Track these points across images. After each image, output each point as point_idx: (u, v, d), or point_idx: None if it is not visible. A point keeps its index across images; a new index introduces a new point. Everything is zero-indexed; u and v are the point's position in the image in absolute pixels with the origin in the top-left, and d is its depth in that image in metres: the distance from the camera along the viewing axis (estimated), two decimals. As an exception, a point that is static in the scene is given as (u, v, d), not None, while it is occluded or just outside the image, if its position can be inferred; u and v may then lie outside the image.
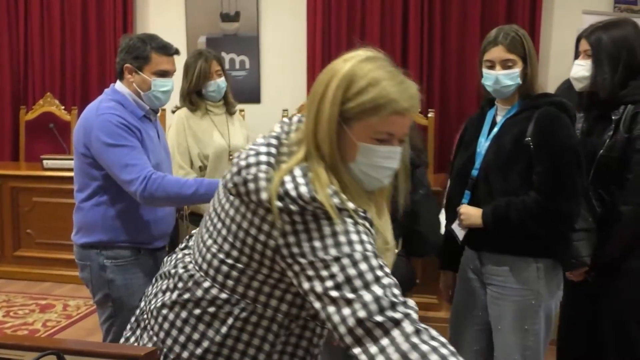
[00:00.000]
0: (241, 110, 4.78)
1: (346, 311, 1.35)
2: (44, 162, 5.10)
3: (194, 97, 3.35)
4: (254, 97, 5.88)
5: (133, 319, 1.78)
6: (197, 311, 1.57)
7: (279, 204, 1.41)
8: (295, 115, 1.61)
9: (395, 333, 1.31)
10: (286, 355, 1.61)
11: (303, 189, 1.41)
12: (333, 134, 1.45)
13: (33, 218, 5.15)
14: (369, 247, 1.42)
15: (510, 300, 2.32)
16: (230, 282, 1.52)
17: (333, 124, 1.45)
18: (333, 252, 1.40)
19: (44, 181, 5.06)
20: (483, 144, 2.38)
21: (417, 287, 4.21)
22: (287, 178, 1.43)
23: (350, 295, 1.36)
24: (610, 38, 2.33)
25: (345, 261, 1.39)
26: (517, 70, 2.29)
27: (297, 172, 1.44)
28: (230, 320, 1.54)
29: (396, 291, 1.38)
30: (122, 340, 1.79)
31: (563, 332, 2.64)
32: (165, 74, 2.73)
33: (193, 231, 1.74)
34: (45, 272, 5.10)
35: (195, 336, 1.57)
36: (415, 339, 1.30)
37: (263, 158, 1.47)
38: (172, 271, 1.65)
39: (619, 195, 2.29)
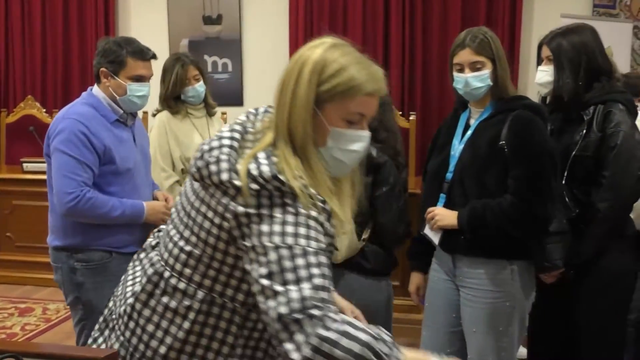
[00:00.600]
0: (223, 113, 4.72)
1: (271, 303, 1.35)
2: (24, 165, 5.01)
3: (171, 102, 3.27)
4: (236, 99, 5.84)
5: (101, 319, 1.74)
6: (159, 307, 1.55)
7: (239, 183, 1.42)
8: (261, 107, 1.62)
9: (310, 330, 1.30)
10: (248, 350, 1.58)
11: (265, 168, 1.42)
12: (308, 117, 1.47)
13: (13, 221, 5.04)
14: (313, 243, 1.41)
15: (484, 303, 2.28)
16: (187, 271, 1.51)
17: (309, 108, 1.47)
18: (276, 240, 1.40)
19: (23, 184, 4.95)
20: (457, 147, 2.35)
21: (401, 290, 4.16)
22: (250, 160, 1.44)
23: (278, 288, 1.35)
24: (570, 43, 2.33)
25: (285, 252, 1.38)
26: (486, 72, 2.26)
27: (261, 154, 1.45)
28: (191, 315, 1.51)
29: (324, 295, 1.36)
30: (90, 340, 1.74)
31: (534, 330, 2.57)
32: (141, 78, 2.65)
33: (162, 226, 1.71)
34: (25, 276, 4.98)
35: (159, 334, 1.54)
36: (329, 334, 1.30)
37: (226, 142, 1.48)
38: (139, 269, 1.65)
39: (595, 193, 2.27)
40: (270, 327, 1.37)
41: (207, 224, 1.48)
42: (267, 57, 5.76)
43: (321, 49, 1.50)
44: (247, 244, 1.42)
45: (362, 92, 1.49)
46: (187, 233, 1.51)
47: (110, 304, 1.73)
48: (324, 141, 1.51)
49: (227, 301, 1.52)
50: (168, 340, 1.53)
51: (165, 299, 1.54)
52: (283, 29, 5.68)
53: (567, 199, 2.30)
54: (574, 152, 2.28)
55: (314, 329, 1.30)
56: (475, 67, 2.26)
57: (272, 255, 1.38)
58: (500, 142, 2.19)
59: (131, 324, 1.58)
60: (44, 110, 5.66)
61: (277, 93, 1.53)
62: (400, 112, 5.12)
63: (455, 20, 5.31)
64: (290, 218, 1.42)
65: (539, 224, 2.19)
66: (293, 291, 1.34)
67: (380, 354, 1.30)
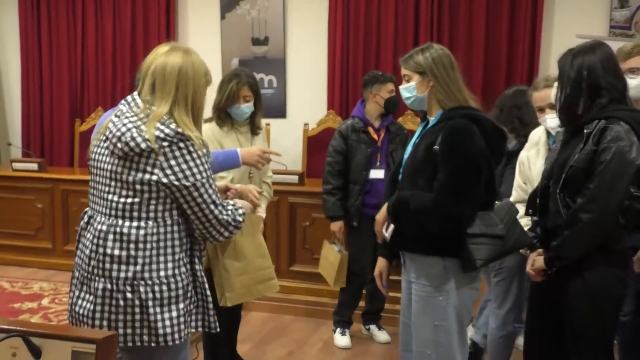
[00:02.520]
0: (267, 124, 4.61)
1: (209, 221, 1.90)
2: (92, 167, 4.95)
3: (222, 114, 3.11)
4: (280, 112, 5.79)
5: (75, 280, 1.98)
6: (126, 244, 1.85)
7: (155, 145, 1.80)
8: (129, 96, 1.93)
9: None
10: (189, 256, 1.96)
11: (167, 130, 1.82)
12: (204, 97, 1.95)
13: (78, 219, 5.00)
14: (210, 172, 1.90)
15: (421, 297, 2.22)
16: (135, 214, 1.85)
17: (204, 90, 1.95)
18: (198, 176, 1.84)
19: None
20: (408, 151, 2.32)
21: (392, 284, 3.94)
22: (153, 129, 1.81)
23: (215, 204, 1.88)
24: (573, 62, 2.18)
25: (206, 183, 1.86)
26: (412, 84, 2.22)
27: (159, 123, 1.82)
28: (149, 238, 1.85)
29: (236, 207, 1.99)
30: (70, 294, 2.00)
31: (528, 336, 2.47)
32: None
33: (87, 209, 2.01)
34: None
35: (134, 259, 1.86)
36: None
37: (130, 125, 1.84)
38: (89, 237, 1.91)
39: (580, 203, 2.11)
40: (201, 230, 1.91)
41: (138, 182, 1.82)
42: (308, 74, 5.72)
43: (194, 55, 1.93)
44: (177, 183, 1.81)
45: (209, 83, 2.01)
46: (124, 191, 1.84)
47: (77, 259, 1.98)
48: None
49: (167, 226, 1.88)
50: (140, 260, 1.85)
51: (127, 237, 1.84)
52: (322, 50, 5.62)
53: (560, 207, 2.16)
54: (570, 163, 2.14)
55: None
56: (404, 79, 2.26)
57: (201, 189, 1.84)
58: (434, 147, 2.14)
59: (113, 265, 1.86)
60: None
61: (171, 84, 1.86)
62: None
63: (479, 39, 5.15)
64: (196, 156, 1.84)
65: (452, 223, 2.11)
66: (215, 210, 1.89)
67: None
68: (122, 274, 1.84)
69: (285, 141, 5.50)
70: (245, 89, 3.02)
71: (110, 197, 1.86)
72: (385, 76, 3.69)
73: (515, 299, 2.99)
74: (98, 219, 1.89)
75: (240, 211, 1.99)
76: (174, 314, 1.86)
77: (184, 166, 1.82)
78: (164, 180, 1.81)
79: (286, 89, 5.81)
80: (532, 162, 2.74)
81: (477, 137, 2.11)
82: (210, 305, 1.98)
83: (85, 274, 1.91)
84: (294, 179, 4.40)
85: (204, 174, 1.85)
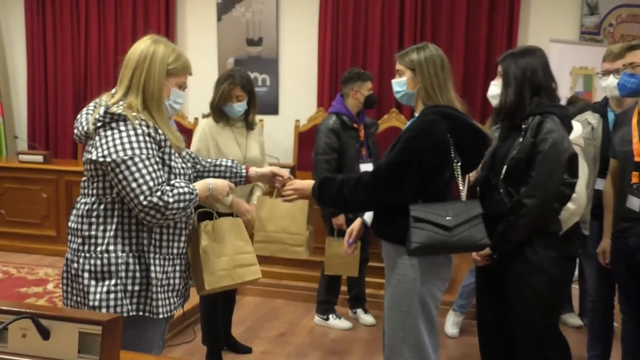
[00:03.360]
0: (261, 120, 4.59)
1: (132, 200, 1.78)
2: (94, 159, 4.92)
3: (218, 111, 3.09)
4: (273, 109, 5.79)
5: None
6: (88, 219, 1.86)
7: (92, 127, 1.82)
8: (101, 96, 1.94)
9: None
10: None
11: (101, 111, 1.81)
12: (163, 82, 1.89)
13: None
14: (151, 152, 1.82)
15: (391, 284, 2.19)
16: (85, 191, 1.89)
17: (163, 77, 1.89)
18: (121, 153, 1.77)
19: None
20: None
21: (374, 270, 3.93)
22: (96, 114, 1.82)
23: (137, 183, 1.77)
24: (518, 63, 2.21)
25: (130, 160, 1.77)
26: (404, 79, 2.16)
27: (104, 107, 1.82)
28: (100, 212, 1.85)
29: (162, 182, 1.83)
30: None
31: (479, 321, 2.49)
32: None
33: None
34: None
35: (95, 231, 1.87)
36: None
37: (84, 112, 1.90)
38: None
39: (524, 190, 2.15)
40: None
41: (88, 163, 1.85)
42: (299, 73, 5.71)
43: (162, 43, 1.91)
44: (108, 159, 1.77)
45: (187, 71, 1.98)
46: (84, 172, 1.89)
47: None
48: (168, 95, 1.93)
49: (115, 202, 1.85)
50: (84, 232, 1.86)
51: (78, 211, 1.88)
52: (312, 51, 5.61)
53: (502, 195, 2.20)
54: (511, 155, 2.18)
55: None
56: (398, 74, 2.21)
57: (128, 163, 1.77)
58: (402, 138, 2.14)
59: (77, 239, 1.88)
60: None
61: (129, 71, 1.87)
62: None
63: (460, 44, 5.16)
64: (126, 134, 1.79)
65: (375, 193, 2.08)
66: (143, 185, 1.78)
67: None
68: (74, 245, 1.88)
69: (277, 136, 5.49)
70: (238, 89, 2.97)
71: (82, 179, 1.95)
72: (366, 74, 3.63)
73: None
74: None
75: (182, 190, 1.83)
76: (105, 289, 1.81)
77: (111, 144, 1.77)
78: (93, 157, 1.80)
79: (279, 87, 5.79)
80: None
81: (437, 134, 2.03)
82: (154, 289, 1.85)
83: None
84: (285, 171, 4.38)
85: (129, 152, 1.76)
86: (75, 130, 1.89)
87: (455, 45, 5.16)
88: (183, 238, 1.96)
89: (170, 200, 1.79)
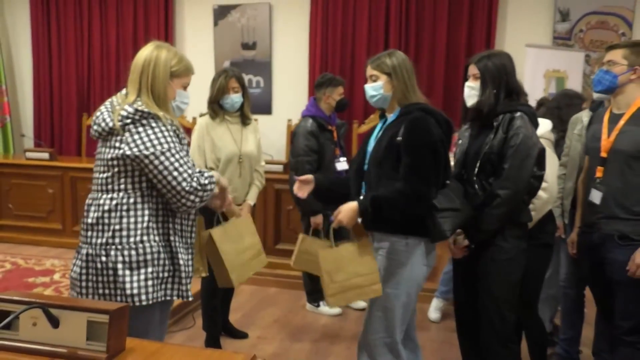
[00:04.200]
0: (255, 119, 4.56)
1: (173, 188, 1.83)
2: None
3: (215, 106, 3.07)
4: (266, 109, 5.75)
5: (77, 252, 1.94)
6: (115, 213, 1.86)
7: (120, 123, 1.82)
8: (113, 97, 1.94)
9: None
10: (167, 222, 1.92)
11: (130, 109, 1.82)
12: (167, 84, 1.90)
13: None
14: (179, 146, 1.87)
15: (382, 267, 2.20)
16: (109, 187, 1.86)
17: (167, 79, 1.90)
18: (158, 147, 1.81)
19: (97, 172, 4.86)
20: (371, 144, 2.27)
21: None
22: (119, 111, 1.84)
23: (177, 172, 1.82)
24: (494, 65, 2.22)
25: (167, 152, 1.82)
26: (380, 83, 2.19)
27: (127, 105, 1.84)
28: (128, 206, 1.85)
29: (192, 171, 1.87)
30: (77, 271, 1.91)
31: (456, 305, 2.51)
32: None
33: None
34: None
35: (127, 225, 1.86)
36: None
37: (103, 109, 1.90)
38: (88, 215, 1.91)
39: (497, 182, 2.17)
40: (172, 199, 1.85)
41: (114, 159, 1.84)
42: (291, 76, 5.68)
43: (165, 48, 1.93)
44: (141, 154, 1.79)
45: (189, 72, 1.99)
46: (103, 169, 1.87)
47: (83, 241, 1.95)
48: (173, 96, 1.95)
49: (144, 196, 1.86)
50: (111, 227, 1.84)
51: (102, 207, 1.86)
52: (304, 54, 5.59)
53: (477, 188, 2.21)
54: (484, 150, 2.20)
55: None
56: (371, 79, 2.22)
57: (163, 156, 1.81)
58: (397, 138, 2.12)
59: (104, 234, 1.85)
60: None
61: (136, 75, 1.89)
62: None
63: (441, 49, 5.16)
64: (158, 129, 1.82)
65: (422, 202, 2.09)
66: (183, 173, 1.83)
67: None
68: (99, 240, 1.84)
69: (271, 135, 5.47)
70: (233, 80, 3.00)
71: (96, 175, 1.91)
72: (337, 80, 3.60)
73: None
74: (89, 195, 1.94)
75: (207, 174, 1.90)
76: (142, 277, 1.83)
77: (145, 139, 1.80)
78: (128, 152, 1.80)
79: (272, 89, 5.76)
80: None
81: (434, 127, 2.11)
82: (183, 275, 1.91)
83: (79, 244, 1.94)
84: (279, 168, 4.39)
85: (165, 145, 1.81)
86: (96, 127, 1.88)
87: (437, 50, 5.17)
88: (194, 229, 2.02)
89: (206, 182, 1.87)
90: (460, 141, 2.38)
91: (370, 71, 2.22)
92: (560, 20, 4.98)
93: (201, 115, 3.21)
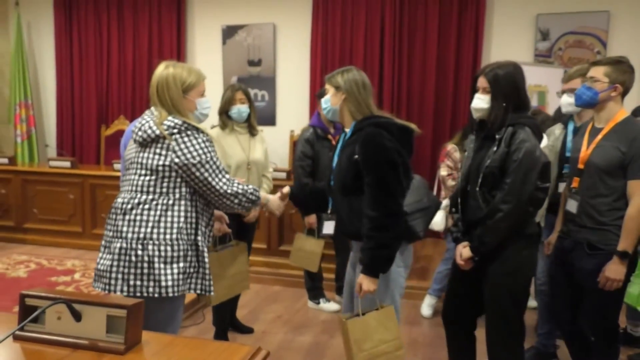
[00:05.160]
0: (261, 130, 4.59)
1: (217, 191, 1.93)
2: (114, 165, 4.92)
3: (224, 117, 3.11)
4: (271, 120, 5.78)
5: (104, 242, 1.97)
6: (154, 211, 1.90)
7: (166, 132, 1.88)
8: (148, 110, 1.98)
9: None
10: (203, 223, 1.99)
11: (176, 120, 1.89)
12: (181, 99, 1.94)
13: (106, 206, 4.92)
14: (217, 155, 1.96)
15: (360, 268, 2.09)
16: (151, 189, 1.90)
17: (181, 96, 1.93)
18: (203, 156, 1.89)
19: (114, 179, 4.84)
20: (335, 159, 2.20)
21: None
22: (162, 123, 1.88)
23: (219, 177, 1.93)
24: (505, 78, 2.05)
25: (210, 161, 1.90)
26: (328, 97, 2.13)
27: (167, 119, 1.89)
28: (175, 206, 1.90)
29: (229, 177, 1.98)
30: (106, 262, 1.93)
31: (448, 299, 2.40)
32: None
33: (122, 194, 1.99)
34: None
35: (164, 223, 1.90)
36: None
37: (147, 118, 1.93)
38: (119, 211, 1.93)
39: (499, 196, 2.05)
40: (217, 200, 1.96)
41: (157, 165, 1.89)
42: (294, 90, 5.71)
43: (172, 67, 1.94)
44: (187, 162, 1.86)
45: (202, 80, 1.99)
46: (143, 172, 1.90)
47: (109, 233, 1.97)
48: (194, 107, 1.98)
49: (183, 197, 1.91)
50: (150, 223, 1.89)
51: (142, 205, 1.89)
52: (305, 70, 5.62)
53: (480, 201, 2.10)
54: (486, 164, 2.07)
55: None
56: (327, 93, 2.15)
57: (207, 164, 1.89)
58: (355, 157, 2.01)
59: (144, 229, 1.89)
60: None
61: (155, 96, 1.94)
62: (420, 131, 5.01)
63: (431, 66, 5.19)
64: (201, 139, 1.90)
65: (394, 213, 1.98)
66: (223, 179, 1.95)
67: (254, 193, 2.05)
68: (135, 235, 1.86)
69: (275, 144, 5.49)
70: (240, 92, 3.06)
71: (133, 177, 1.92)
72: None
73: None
74: (121, 196, 1.94)
75: (253, 188, 2.04)
76: (175, 270, 1.86)
77: (191, 148, 1.87)
78: (176, 160, 1.86)
79: (276, 102, 5.79)
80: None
81: (386, 139, 2.00)
82: (207, 271, 1.96)
83: (108, 239, 1.94)
84: (283, 175, 4.40)
85: (208, 155, 1.90)
86: (141, 133, 1.90)
87: (428, 64, 5.20)
88: (212, 234, 2.08)
89: (248, 190, 2.00)
90: (466, 153, 2.28)
91: (326, 86, 2.16)
92: (541, 39, 5.01)
93: (212, 127, 3.24)
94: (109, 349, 1.21)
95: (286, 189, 2.31)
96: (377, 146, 1.99)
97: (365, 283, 2.00)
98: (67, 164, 5.10)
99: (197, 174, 1.88)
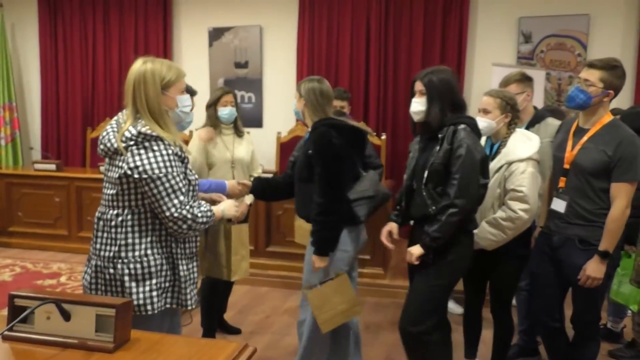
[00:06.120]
0: (247, 132, 4.61)
1: (163, 212, 1.78)
2: (100, 168, 4.89)
3: (213, 116, 3.14)
4: (258, 122, 5.80)
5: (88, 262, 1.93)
6: (121, 228, 1.82)
7: (123, 144, 1.76)
8: (120, 114, 1.90)
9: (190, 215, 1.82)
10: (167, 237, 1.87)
11: (134, 130, 1.76)
12: (159, 97, 1.80)
13: (92, 209, 4.87)
14: (178, 169, 1.80)
15: (309, 252, 2.45)
16: (115, 203, 1.82)
17: (159, 94, 1.80)
18: (156, 171, 1.75)
19: (100, 182, 4.77)
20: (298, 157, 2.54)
21: (368, 261, 4.06)
22: (123, 132, 1.78)
23: (169, 197, 1.77)
24: (440, 81, 2.16)
25: (164, 177, 1.76)
26: (294, 101, 2.47)
27: (131, 126, 1.78)
28: (134, 222, 1.81)
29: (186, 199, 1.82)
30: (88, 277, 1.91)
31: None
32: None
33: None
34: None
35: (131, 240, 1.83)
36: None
37: (109, 129, 1.85)
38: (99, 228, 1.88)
39: (451, 192, 2.11)
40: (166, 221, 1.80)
41: (116, 177, 1.79)
42: (280, 92, 5.73)
43: (149, 63, 1.82)
44: (141, 176, 1.74)
45: (181, 76, 1.87)
46: (110, 186, 1.83)
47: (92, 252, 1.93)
48: (174, 104, 1.86)
49: (142, 212, 1.81)
50: (118, 242, 1.82)
51: (109, 222, 1.82)
52: (292, 72, 5.65)
53: (425, 197, 2.19)
54: (431, 162, 2.15)
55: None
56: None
57: (162, 180, 1.75)
58: (309, 152, 2.34)
59: (113, 247, 1.83)
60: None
61: (130, 93, 1.81)
62: (375, 133, 5.04)
63: (417, 69, 5.23)
64: (158, 150, 1.76)
65: (337, 200, 2.30)
66: (174, 199, 1.78)
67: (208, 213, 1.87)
68: (107, 253, 1.82)
69: (261, 146, 5.49)
70: (231, 95, 3.12)
71: (104, 191, 1.86)
72: (335, 90, 3.69)
73: None
74: (98, 208, 1.90)
75: (204, 208, 1.86)
76: (147, 288, 1.79)
77: (145, 161, 1.73)
78: (129, 172, 1.74)
79: (263, 104, 5.81)
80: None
81: (333, 137, 2.29)
82: (183, 285, 1.86)
83: (90, 254, 1.91)
84: (269, 176, 4.42)
85: (163, 170, 1.74)
86: (102, 146, 1.83)
87: (413, 67, 5.24)
88: (198, 240, 1.98)
89: (198, 214, 1.82)
90: (411, 154, 2.37)
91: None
92: (523, 41, 5.10)
93: (197, 129, 3.26)
94: (98, 347, 1.23)
95: (247, 182, 2.58)
96: (325, 143, 2.29)
97: (317, 261, 2.34)
98: (53, 166, 5.07)
99: (147, 188, 1.75)
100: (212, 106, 3.12)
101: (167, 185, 1.75)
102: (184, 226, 1.79)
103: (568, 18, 4.96)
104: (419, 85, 2.21)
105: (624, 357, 3.01)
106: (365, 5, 5.29)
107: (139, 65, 1.81)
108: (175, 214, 1.77)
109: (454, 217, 2.12)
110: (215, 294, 3.15)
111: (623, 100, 4.86)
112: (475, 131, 2.19)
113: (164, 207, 1.76)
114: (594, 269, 2.21)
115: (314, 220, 2.31)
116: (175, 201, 1.76)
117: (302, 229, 3.49)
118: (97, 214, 1.88)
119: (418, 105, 2.22)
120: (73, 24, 6.08)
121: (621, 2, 4.91)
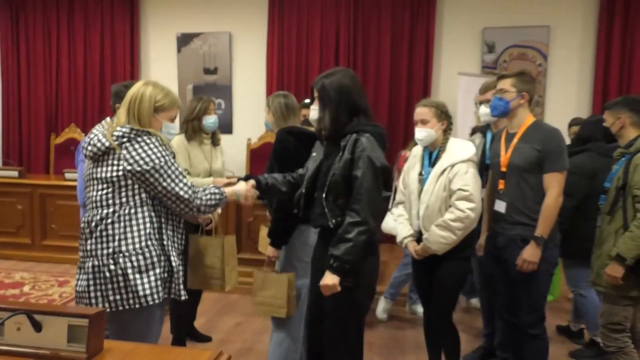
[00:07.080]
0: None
1: (174, 195, 1.90)
2: (65, 174, 4.79)
3: (191, 127, 3.09)
4: (227, 129, 5.78)
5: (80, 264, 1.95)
6: (117, 224, 1.87)
7: (116, 142, 1.85)
8: (105, 120, 2.09)
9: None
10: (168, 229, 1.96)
11: (124, 129, 1.86)
12: (152, 117, 1.93)
13: (57, 216, 4.82)
14: (173, 159, 1.92)
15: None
16: (110, 201, 1.87)
17: (151, 113, 1.93)
18: (156, 161, 1.85)
19: (65, 189, 4.74)
20: None
21: None
22: (112, 133, 1.87)
23: (175, 182, 1.88)
24: (331, 86, 2.00)
25: (165, 165, 1.86)
26: (265, 114, 2.74)
27: (118, 128, 1.88)
28: (128, 217, 1.86)
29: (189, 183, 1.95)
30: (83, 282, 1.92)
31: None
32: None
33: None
34: (65, 257, 4.76)
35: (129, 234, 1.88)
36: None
37: (96, 132, 1.93)
38: (86, 226, 1.92)
39: (357, 208, 1.95)
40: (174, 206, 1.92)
41: (112, 177, 1.86)
42: (250, 99, 5.74)
43: (150, 85, 1.95)
44: (138, 168, 1.83)
45: (175, 105, 1.99)
46: (105, 185, 1.87)
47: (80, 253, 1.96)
48: (160, 127, 1.96)
49: (140, 206, 1.88)
50: (116, 236, 1.86)
51: (105, 220, 1.86)
52: (261, 79, 5.67)
53: (325, 209, 2.01)
54: (332, 173, 2.00)
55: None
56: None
57: (161, 170, 1.85)
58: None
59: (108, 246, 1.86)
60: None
61: (124, 109, 1.93)
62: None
63: (385, 77, 5.34)
64: (152, 143, 1.86)
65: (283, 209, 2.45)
66: (180, 184, 1.90)
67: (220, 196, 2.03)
68: (105, 251, 1.84)
69: (231, 152, 5.49)
70: (212, 104, 3.15)
71: (93, 194, 1.89)
72: (301, 104, 3.71)
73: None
74: (86, 214, 1.92)
75: (215, 190, 2.01)
76: (152, 278, 1.85)
77: (143, 154, 1.83)
78: (129, 168, 1.82)
79: (232, 110, 5.81)
80: (410, 171, 2.60)
81: (289, 142, 2.48)
82: (176, 276, 1.92)
83: (81, 260, 1.92)
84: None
85: (162, 159, 1.85)
86: (91, 147, 1.88)
87: (381, 76, 5.35)
88: (183, 238, 2.02)
89: (204, 197, 1.97)
90: (314, 154, 2.21)
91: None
92: (487, 51, 5.26)
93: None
94: (70, 358, 1.21)
95: (251, 181, 2.30)
96: (281, 147, 2.51)
97: (270, 250, 2.60)
98: (15, 173, 4.93)
99: (152, 180, 1.85)
100: (198, 118, 3.08)
101: (169, 172, 1.87)
102: (194, 208, 1.93)
103: (529, 29, 5.15)
104: (315, 92, 2.07)
105: (584, 357, 3.13)
106: (334, 14, 5.37)
107: (140, 86, 1.96)
108: (186, 195, 1.90)
109: (362, 235, 1.93)
110: (185, 301, 3.11)
111: (582, 110, 5.08)
112: (380, 140, 2.02)
113: (174, 192, 1.88)
114: (530, 253, 2.36)
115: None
116: (181, 184, 1.90)
117: (267, 239, 3.53)
118: (85, 219, 1.90)
119: (314, 113, 2.09)
120: (36, 27, 5.95)
121: (579, 15, 5.13)
